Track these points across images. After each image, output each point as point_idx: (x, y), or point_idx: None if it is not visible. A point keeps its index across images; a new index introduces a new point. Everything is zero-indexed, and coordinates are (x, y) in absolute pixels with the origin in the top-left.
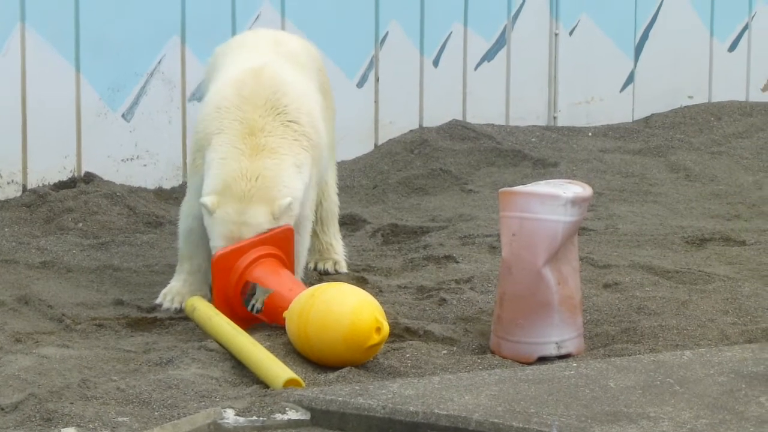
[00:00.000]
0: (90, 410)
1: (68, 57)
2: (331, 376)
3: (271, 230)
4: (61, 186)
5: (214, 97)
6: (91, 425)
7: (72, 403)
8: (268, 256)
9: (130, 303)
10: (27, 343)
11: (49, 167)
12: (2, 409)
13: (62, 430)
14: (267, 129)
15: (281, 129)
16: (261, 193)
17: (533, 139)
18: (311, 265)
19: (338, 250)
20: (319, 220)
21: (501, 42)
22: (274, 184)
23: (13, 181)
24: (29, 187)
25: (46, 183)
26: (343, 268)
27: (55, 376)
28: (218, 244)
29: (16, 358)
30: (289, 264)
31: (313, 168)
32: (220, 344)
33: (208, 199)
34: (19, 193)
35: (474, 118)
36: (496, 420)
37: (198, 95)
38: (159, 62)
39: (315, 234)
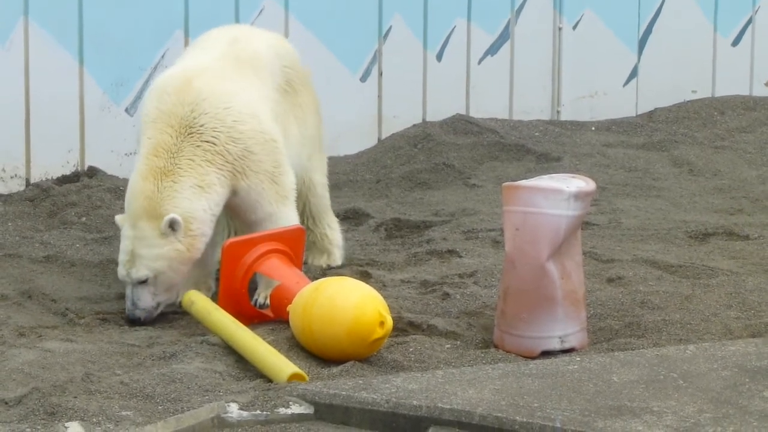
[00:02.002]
0: (94, 404)
1: (72, 51)
2: (335, 370)
3: (283, 228)
4: (64, 180)
5: (143, 105)
6: (94, 419)
7: (75, 397)
8: (277, 252)
9: None
10: (30, 337)
11: (53, 161)
12: (6, 403)
13: (66, 424)
14: (173, 150)
15: (191, 149)
16: (146, 212)
17: (537, 134)
18: (309, 260)
19: (333, 240)
20: (308, 216)
21: (504, 36)
22: (161, 205)
23: (16, 175)
24: (32, 181)
25: (50, 177)
26: (337, 260)
27: (58, 370)
28: (120, 258)
29: (20, 352)
30: (297, 262)
31: (251, 178)
32: (221, 338)
33: (118, 218)
34: (22, 188)
35: (477, 112)
36: (499, 414)
37: None
38: (162, 56)
39: (308, 228)
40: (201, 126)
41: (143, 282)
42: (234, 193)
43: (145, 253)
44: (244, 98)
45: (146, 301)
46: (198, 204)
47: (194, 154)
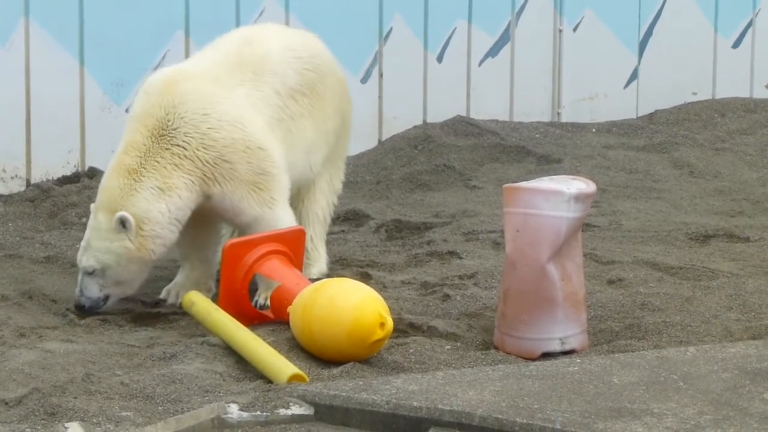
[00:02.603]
0: (94, 405)
1: (72, 52)
2: (335, 371)
3: (283, 230)
4: (64, 181)
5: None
6: (95, 419)
7: (76, 398)
8: (277, 253)
9: (134, 298)
10: (31, 338)
11: (53, 162)
12: (6, 404)
13: (66, 424)
14: (142, 149)
15: (159, 151)
16: (106, 206)
17: (537, 135)
18: None
19: (316, 257)
20: (298, 221)
21: (505, 38)
22: (118, 201)
23: (17, 175)
24: (33, 181)
25: (50, 178)
26: (315, 276)
27: (58, 371)
28: (81, 244)
29: (20, 352)
30: (297, 263)
31: (226, 185)
32: (222, 339)
33: (91, 206)
34: (23, 188)
35: (478, 113)
36: (499, 415)
37: None
38: (163, 57)
39: None
40: (174, 129)
41: (91, 273)
42: (207, 198)
43: (97, 245)
44: (227, 105)
45: (92, 291)
46: (155, 206)
47: (161, 156)
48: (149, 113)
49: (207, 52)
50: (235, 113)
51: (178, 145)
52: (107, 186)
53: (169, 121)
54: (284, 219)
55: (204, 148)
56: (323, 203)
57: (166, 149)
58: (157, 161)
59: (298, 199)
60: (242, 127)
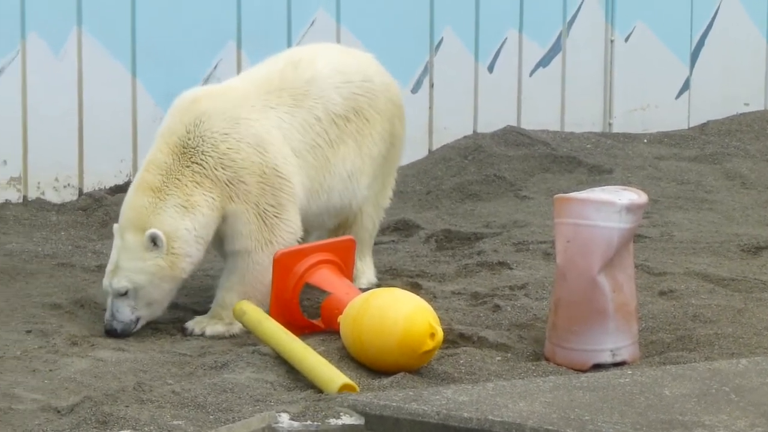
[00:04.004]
0: (145, 413)
1: (124, 62)
2: (385, 381)
3: (334, 239)
4: (116, 190)
5: None
6: (146, 428)
7: (127, 406)
8: (328, 263)
9: (186, 306)
10: (83, 346)
11: (105, 171)
12: (58, 412)
13: None
14: (164, 166)
15: (180, 169)
16: (133, 224)
17: (588, 146)
18: None
19: (367, 276)
20: None
21: (556, 48)
22: (146, 219)
23: (69, 185)
24: (85, 191)
25: (102, 187)
26: (364, 286)
27: (110, 379)
28: (107, 268)
29: (72, 361)
30: (347, 273)
31: (239, 204)
32: (272, 348)
33: (114, 226)
34: (75, 197)
35: (529, 124)
36: (550, 427)
37: None
38: (215, 67)
39: None
40: (194, 148)
41: (123, 294)
42: (224, 218)
43: (128, 265)
44: (250, 127)
45: (124, 313)
46: (181, 223)
47: (182, 174)
48: (172, 131)
49: (252, 72)
50: (257, 136)
51: (197, 163)
52: (133, 204)
53: (189, 139)
54: (266, 269)
55: (222, 168)
56: (369, 226)
57: (187, 167)
58: (178, 179)
59: (345, 224)
60: (263, 150)
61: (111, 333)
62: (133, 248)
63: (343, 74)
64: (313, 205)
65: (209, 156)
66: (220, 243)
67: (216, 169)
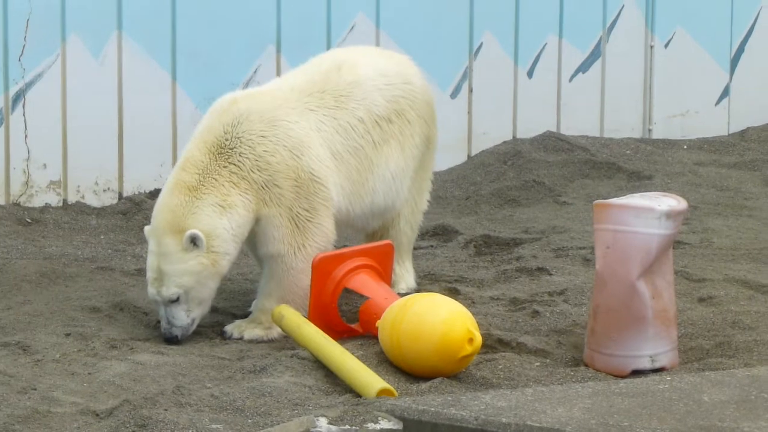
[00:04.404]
0: (184, 417)
1: (165, 66)
2: (424, 386)
3: (372, 244)
4: (156, 194)
5: None
6: None
7: (166, 410)
8: (366, 267)
9: (225, 310)
10: (122, 350)
11: (145, 175)
12: (97, 415)
13: None
14: (201, 166)
15: (217, 169)
16: (170, 226)
17: (628, 152)
18: None
19: (407, 280)
20: None
21: (596, 53)
22: (183, 219)
23: (109, 188)
24: (125, 194)
25: (142, 191)
26: (403, 291)
27: (149, 383)
28: (148, 276)
29: (111, 364)
30: (385, 278)
31: (272, 208)
32: (311, 352)
33: (146, 229)
34: (115, 201)
35: (568, 129)
36: None
37: None
38: (255, 71)
39: None
40: (231, 149)
41: (175, 300)
42: (257, 221)
43: (172, 269)
44: (288, 129)
45: (181, 318)
46: (219, 222)
47: (219, 173)
48: (210, 130)
49: (293, 74)
50: (294, 138)
51: (234, 164)
52: (167, 205)
53: (227, 140)
54: (301, 273)
55: (258, 170)
56: (408, 230)
57: (224, 167)
58: (215, 179)
59: (383, 227)
60: (299, 154)
61: (171, 340)
62: (173, 252)
63: (386, 76)
64: (356, 207)
65: (246, 158)
66: (254, 246)
67: (252, 171)
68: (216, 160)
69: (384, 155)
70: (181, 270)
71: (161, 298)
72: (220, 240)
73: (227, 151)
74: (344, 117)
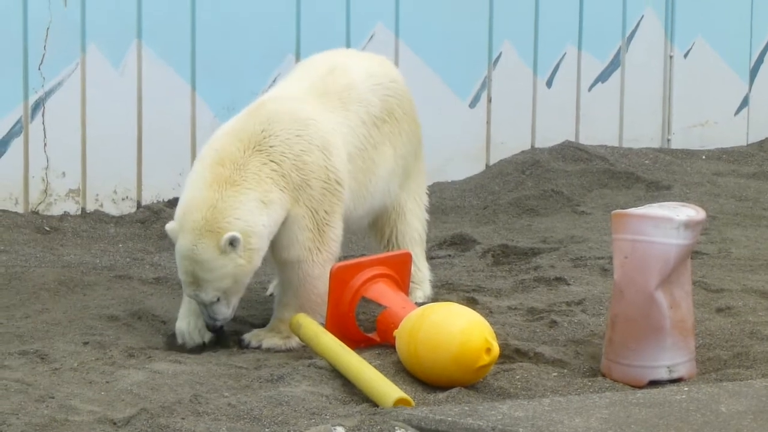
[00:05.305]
0: (201, 426)
1: (184, 75)
2: (441, 396)
3: (389, 253)
4: (175, 202)
5: None
6: None
7: (183, 419)
8: (384, 276)
9: (243, 319)
10: (140, 358)
11: (164, 184)
12: (114, 423)
13: None
14: (240, 162)
15: (257, 165)
16: (209, 224)
17: (647, 162)
18: None
19: (419, 276)
20: (394, 244)
21: (615, 63)
22: (224, 216)
23: (127, 197)
24: (144, 203)
25: (161, 200)
26: (420, 300)
27: (167, 392)
28: (181, 278)
29: (129, 372)
30: (403, 287)
31: (301, 208)
32: (328, 362)
33: (169, 226)
34: (133, 210)
35: (587, 139)
36: None
37: None
38: (274, 80)
39: None
40: (270, 147)
41: (216, 301)
42: (285, 220)
43: (209, 276)
44: (318, 129)
45: (223, 312)
46: (259, 219)
47: (260, 170)
48: (243, 128)
49: (291, 81)
50: (324, 138)
51: (274, 162)
52: (206, 200)
53: (264, 137)
54: (317, 279)
55: (296, 170)
56: (416, 224)
57: (264, 164)
58: (256, 174)
59: (387, 224)
60: (328, 154)
61: (217, 331)
62: (210, 258)
63: (374, 77)
64: (359, 208)
65: (286, 156)
66: (270, 249)
67: (291, 171)
68: (255, 157)
69: (381, 155)
70: (220, 275)
71: (200, 300)
72: (257, 237)
73: (267, 149)
74: (351, 118)
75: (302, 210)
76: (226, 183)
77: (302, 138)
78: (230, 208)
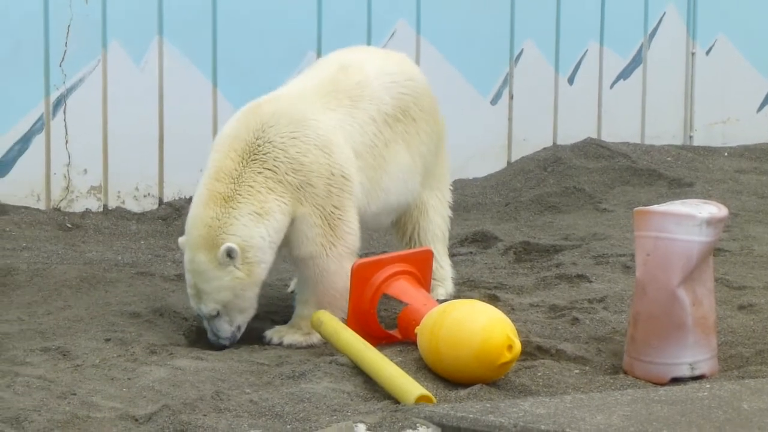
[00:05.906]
0: (223, 422)
1: (205, 72)
2: (462, 393)
3: (411, 250)
4: None
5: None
6: None
7: (205, 415)
8: (405, 273)
9: (264, 316)
10: (161, 355)
11: (185, 181)
12: (136, 420)
13: None
14: (234, 175)
15: (251, 176)
16: (205, 241)
17: (669, 159)
18: None
19: (441, 274)
20: (416, 241)
21: (637, 60)
22: (218, 234)
23: (149, 194)
24: (165, 200)
25: (182, 196)
26: (442, 297)
27: (188, 388)
28: (188, 290)
29: (151, 369)
30: (425, 284)
31: (306, 207)
32: (349, 358)
33: (181, 240)
34: (155, 206)
35: (609, 136)
36: None
37: None
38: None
39: None
40: (264, 155)
41: (216, 315)
42: (291, 222)
43: (208, 287)
44: (315, 128)
45: (225, 330)
46: (256, 231)
47: (255, 180)
48: (237, 137)
49: (303, 78)
50: (323, 137)
51: (269, 169)
52: (202, 219)
53: (258, 145)
54: (334, 275)
55: (293, 172)
56: (438, 221)
57: (259, 173)
58: (251, 186)
59: (410, 221)
60: (329, 152)
61: (221, 348)
62: (207, 269)
63: (389, 75)
64: (372, 205)
65: (281, 162)
66: (286, 247)
67: (288, 174)
68: (249, 167)
69: (394, 153)
70: (217, 287)
71: (201, 313)
72: (256, 249)
73: (261, 157)
74: (360, 116)
75: (308, 209)
76: (222, 199)
77: (298, 139)
78: (225, 225)
